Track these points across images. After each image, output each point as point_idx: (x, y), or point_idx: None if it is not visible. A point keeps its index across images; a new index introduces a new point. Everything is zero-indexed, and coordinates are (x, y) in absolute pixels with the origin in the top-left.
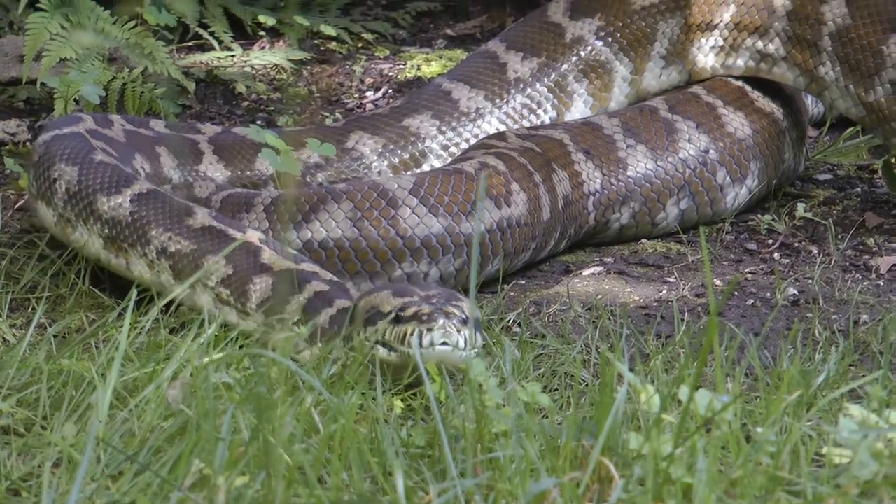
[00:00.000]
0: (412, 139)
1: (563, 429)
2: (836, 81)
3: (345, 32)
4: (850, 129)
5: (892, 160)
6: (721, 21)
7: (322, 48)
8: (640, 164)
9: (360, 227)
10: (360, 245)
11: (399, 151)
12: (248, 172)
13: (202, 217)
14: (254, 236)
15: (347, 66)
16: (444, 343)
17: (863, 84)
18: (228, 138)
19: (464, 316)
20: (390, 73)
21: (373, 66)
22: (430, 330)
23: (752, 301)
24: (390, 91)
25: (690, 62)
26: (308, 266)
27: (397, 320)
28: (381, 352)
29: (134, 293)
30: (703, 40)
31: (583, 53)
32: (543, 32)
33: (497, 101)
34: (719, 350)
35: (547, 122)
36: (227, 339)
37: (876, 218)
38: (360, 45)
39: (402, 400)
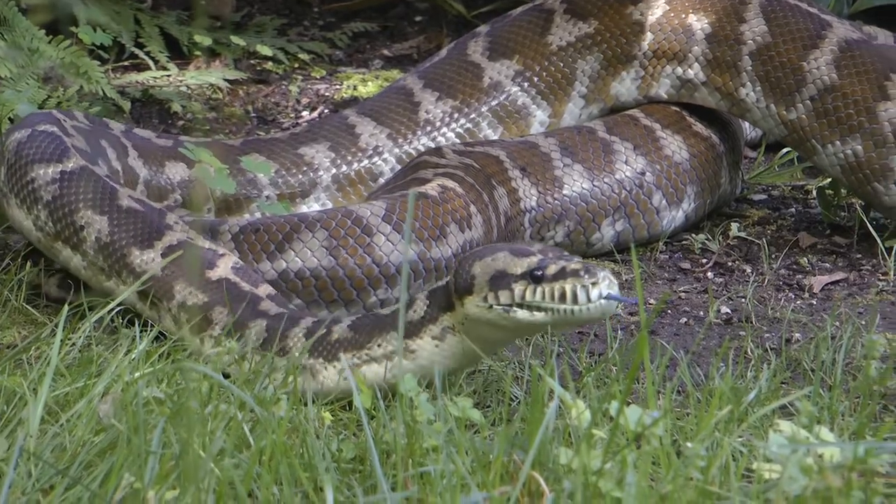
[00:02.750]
0: (304, 168)
1: (494, 444)
2: (758, 102)
3: (281, 52)
4: (785, 150)
5: (826, 184)
6: (639, 51)
7: (258, 68)
8: (576, 183)
9: (336, 255)
10: (336, 274)
11: (290, 179)
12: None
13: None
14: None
15: (283, 86)
16: (608, 296)
17: (783, 102)
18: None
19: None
20: (326, 94)
21: (309, 86)
22: (594, 284)
23: (685, 319)
24: (326, 111)
25: (612, 98)
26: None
27: (536, 279)
28: (521, 313)
29: (66, 309)
30: (624, 73)
31: (500, 98)
32: (462, 73)
33: (400, 141)
34: (650, 366)
35: None
36: (158, 353)
37: (809, 238)
38: (296, 65)
39: (331, 413)
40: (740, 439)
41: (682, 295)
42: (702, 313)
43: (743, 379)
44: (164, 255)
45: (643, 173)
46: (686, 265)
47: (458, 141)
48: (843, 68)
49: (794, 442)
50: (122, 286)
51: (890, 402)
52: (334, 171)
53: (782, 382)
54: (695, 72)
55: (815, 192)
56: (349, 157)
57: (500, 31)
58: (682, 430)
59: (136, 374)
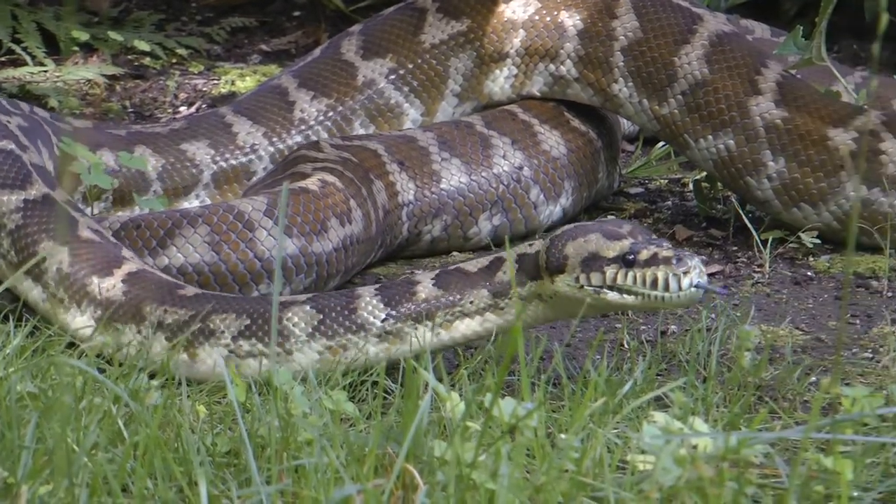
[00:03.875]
0: (188, 164)
1: (369, 437)
2: (630, 97)
3: (159, 48)
4: (662, 144)
5: (702, 177)
6: (512, 49)
7: (136, 63)
8: (453, 177)
9: (218, 251)
10: (219, 269)
11: (175, 175)
12: None
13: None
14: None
15: (161, 82)
16: (699, 283)
17: (656, 97)
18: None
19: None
20: (204, 89)
21: (187, 81)
22: (685, 273)
23: None
24: (204, 106)
25: (486, 96)
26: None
27: (629, 264)
28: (612, 295)
29: None
30: (497, 71)
31: (373, 97)
32: (336, 72)
33: (275, 140)
34: (524, 358)
35: None
36: (32, 348)
37: (685, 231)
38: (174, 60)
39: (206, 406)
40: (615, 431)
41: None
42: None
43: (618, 371)
44: (124, 282)
45: (521, 168)
46: None
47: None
48: (715, 63)
49: (667, 433)
50: (80, 317)
51: (765, 393)
52: (214, 168)
53: (658, 374)
54: (567, 68)
55: (691, 186)
56: (227, 155)
57: (373, 30)
58: (556, 421)
59: (10, 370)
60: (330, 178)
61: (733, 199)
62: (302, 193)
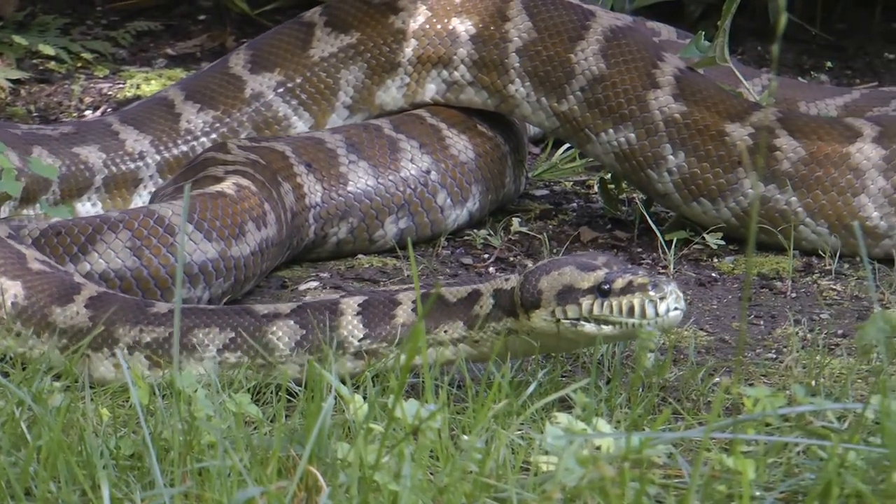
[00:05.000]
0: (82, 167)
1: (272, 439)
2: (528, 97)
3: (64, 52)
4: (567, 146)
5: (608, 178)
6: (404, 58)
7: (41, 67)
8: (360, 180)
9: (140, 256)
10: (141, 274)
11: (70, 178)
12: None
13: None
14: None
15: (67, 86)
16: (677, 308)
17: (554, 95)
18: None
19: (669, 278)
20: (110, 93)
21: (92, 85)
22: (662, 299)
23: None
24: (109, 110)
25: (377, 107)
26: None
27: (604, 293)
28: (589, 327)
29: None
30: (389, 81)
31: (261, 109)
32: (224, 85)
33: (161, 148)
34: (427, 359)
35: None
36: None
37: (590, 232)
38: (79, 64)
39: (110, 409)
40: (518, 432)
41: None
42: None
43: (522, 372)
44: (86, 307)
45: (428, 172)
46: (468, 260)
47: None
48: (611, 58)
49: (570, 433)
50: (41, 346)
51: (668, 394)
52: (106, 172)
53: (561, 375)
54: (461, 73)
55: (596, 188)
56: (118, 160)
57: (262, 44)
58: (460, 423)
59: None
60: (244, 181)
61: (638, 201)
62: (219, 197)
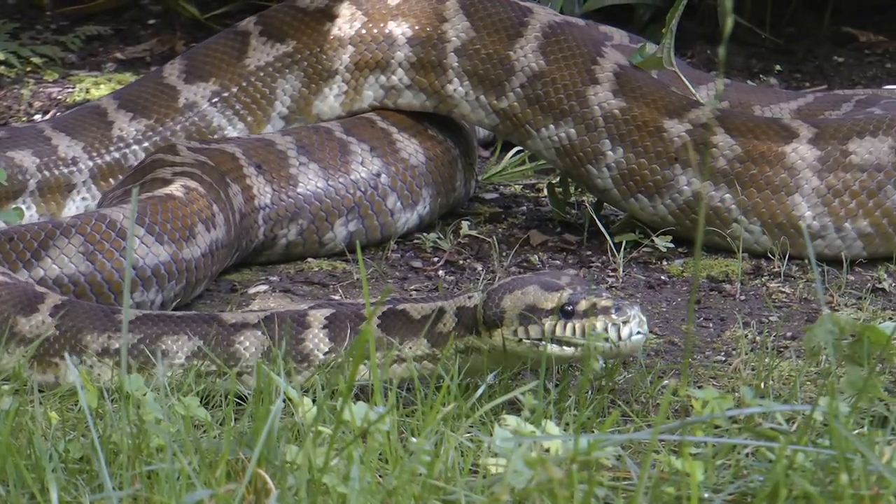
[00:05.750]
0: (16, 170)
1: (221, 442)
2: (466, 96)
3: (13, 56)
4: (517, 149)
5: (556, 182)
6: (341, 65)
7: None
8: (311, 181)
9: (93, 260)
10: (95, 279)
11: (4, 183)
12: None
13: None
14: None
15: (16, 90)
16: (639, 332)
17: (494, 92)
18: None
19: (633, 301)
20: (59, 97)
21: (42, 89)
22: (625, 322)
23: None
24: (59, 114)
25: (314, 117)
26: None
27: (567, 315)
28: (552, 348)
29: None
30: (326, 90)
31: (194, 119)
32: (157, 94)
33: (94, 154)
34: (376, 362)
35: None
36: None
37: (540, 235)
38: (28, 68)
39: (58, 412)
40: (468, 434)
41: (414, 293)
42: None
43: (471, 375)
44: (52, 316)
45: (379, 175)
46: (418, 264)
47: None
48: (550, 54)
49: (518, 436)
50: (7, 356)
51: (618, 396)
52: (39, 177)
53: (510, 378)
54: (399, 77)
55: (545, 191)
56: (51, 165)
57: (196, 55)
58: (409, 426)
59: None
60: (192, 183)
61: (587, 204)
62: (169, 200)
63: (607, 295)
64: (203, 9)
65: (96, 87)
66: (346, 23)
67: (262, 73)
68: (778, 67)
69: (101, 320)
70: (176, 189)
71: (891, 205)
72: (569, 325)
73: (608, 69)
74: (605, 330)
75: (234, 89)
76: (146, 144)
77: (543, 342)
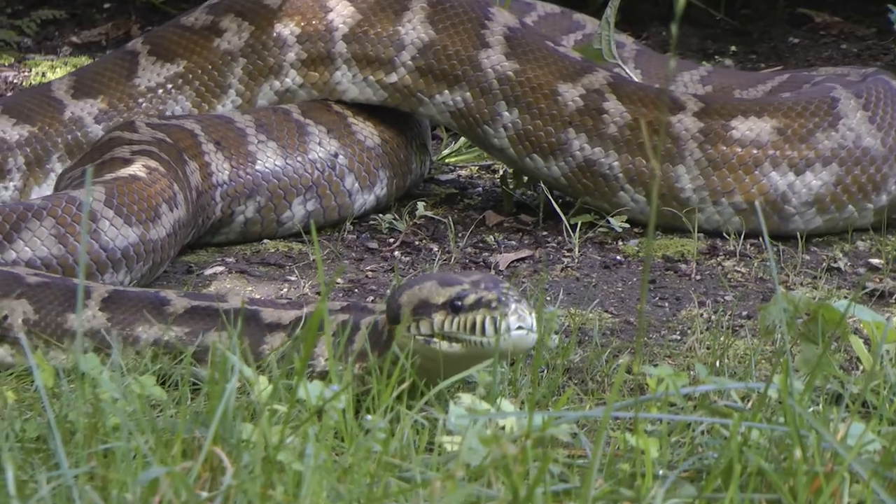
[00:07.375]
0: None
1: (177, 421)
2: (354, 79)
3: None
4: None
5: (509, 178)
6: (234, 78)
7: None
8: (269, 159)
9: (64, 243)
10: (66, 262)
11: None
12: None
13: None
14: None
15: None
16: (520, 328)
17: (383, 70)
18: None
19: (524, 298)
20: (15, 81)
21: None
22: (504, 316)
23: (372, 298)
24: None
25: None
26: None
27: (455, 310)
28: (443, 345)
29: None
30: (220, 106)
31: (77, 135)
32: (43, 106)
33: None
34: (331, 340)
35: (8, 199)
36: None
37: (496, 216)
38: None
39: (15, 392)
40: (423, 412)
41: (370, 274)
42: (389, 292)
43: None
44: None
45: (336, 155)
46: (374, 245)
47: (25, 168)
48: (438, 23)
49: (473, 413)
50: None
51: (573, 375)
52: None
53: None
54: (291, 78)
55: (500, 182)
56: None
57: (86, 72)
58: (364, 404)
59: None
60: (151, 162)
61: (542, 185)
62: (134, 181)
63: (504, 290)
64: None
65: (52, 71)
66: (235, 35)
67: (152, 94)
68: (733, 48)
69: (70, 301)
70: (138, 169)
71: (767, 182)
72: (456, 321)
73: (498, 32)
74: (483, 324)
75: (122, 108)
76: (26, 150)
77: (434, 339)
